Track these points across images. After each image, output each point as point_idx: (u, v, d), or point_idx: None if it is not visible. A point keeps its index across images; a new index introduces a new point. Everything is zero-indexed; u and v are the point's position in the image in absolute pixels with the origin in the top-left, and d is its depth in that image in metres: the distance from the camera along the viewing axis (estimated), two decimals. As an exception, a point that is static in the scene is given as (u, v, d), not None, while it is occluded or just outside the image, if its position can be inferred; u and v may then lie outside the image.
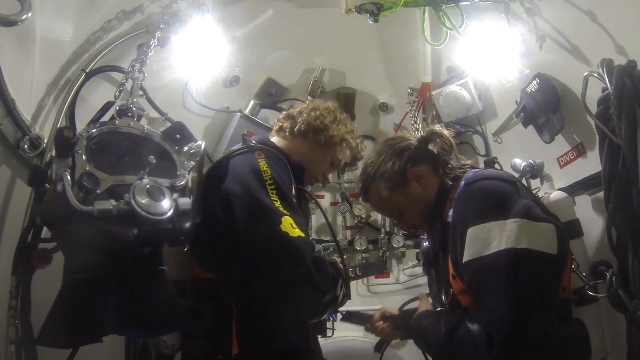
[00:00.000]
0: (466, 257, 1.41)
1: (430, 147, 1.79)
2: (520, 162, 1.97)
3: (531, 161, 1.95)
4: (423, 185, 1.72)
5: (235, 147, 1.68)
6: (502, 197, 1.45)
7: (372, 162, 1.82)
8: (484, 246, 1.37)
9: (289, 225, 1.39)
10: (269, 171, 1.50)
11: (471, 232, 1.41)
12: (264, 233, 1.38)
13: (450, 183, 1.67)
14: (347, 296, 1.62)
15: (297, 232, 1.39)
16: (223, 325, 1.50)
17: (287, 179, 1.58)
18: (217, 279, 1.53)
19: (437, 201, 1.68)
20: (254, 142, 1.72)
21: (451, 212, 1.58)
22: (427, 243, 2.03)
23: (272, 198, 1.44)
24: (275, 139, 1.91)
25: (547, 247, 1.38)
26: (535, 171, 1.95)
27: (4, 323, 1.52)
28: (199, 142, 1.58)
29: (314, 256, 1.43)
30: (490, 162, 1.92)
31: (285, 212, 1.42)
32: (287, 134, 1.87)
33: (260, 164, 1.52)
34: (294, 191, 1.62)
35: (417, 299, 1.90)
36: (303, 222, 1.50)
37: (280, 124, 1.92)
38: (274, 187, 1.47)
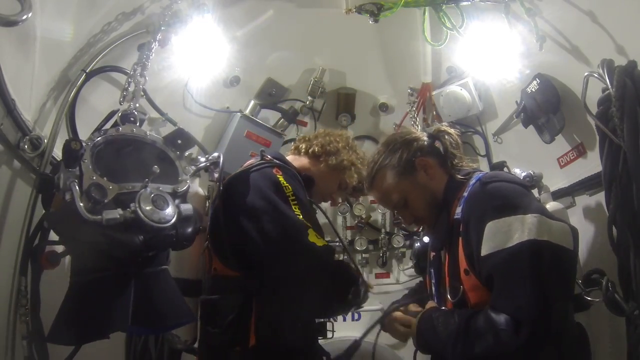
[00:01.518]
0: (486, 250, 1.43)
1: (437, 144, 1.81)
2: (519, 172, 1.99)
3: (530, 171, 1.96)
4: (430, 176, 1.74)
5: (253, 161, 1.80)
6: (519, 196, 1.50)
7: (380, 151, 1.83)
8: (506, 238, 1.40)
9: (314, 237, 1.55)
10: (289, 186, 1.65)
11: (490, 225, 1.43)
12: (296, 244, 1.55)
13: (461, 177, 1.69)
14: (362, 297, 1.70)
15: (321, 242, 1.56)
16: (242, 319, 1.59)
17: (303, 194, 1.71)
18: (240, 276, 1.64)
19: (444, 196, 1.70)
20: (269, 156, 1.83)
21: (459, 210, 1.60)
22: (419, 243, 2.02)
23: (295, 212, 1.59)
24: (290, 157, 2.04)
25: (565, 242, 1.43)
26: (534, 181, 1.97)
27: (4, 321, 1.53)
28: (216, 154, 1.71)
29: (336, 261, 1.61)
30: (499, 166, 1.92)
31: (308, 224, 1.58)
32: (301, 153, 2.03)
33: (280, 179, 1.66)
34: None
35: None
36: (321, 230, 1.68)
37: (297, 145, 2.10)
38: (295, 201, 1.62)
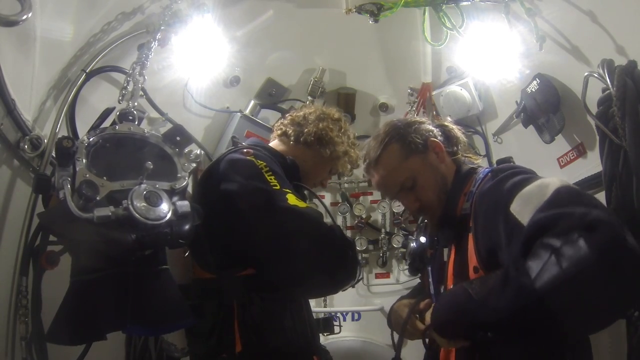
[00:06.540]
0: (528, 214, 1.25)
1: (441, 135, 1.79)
2: None
3: None
4: (440, 159, 1.70)
5: (225, 151, 1.74)
6: (534, 173, 1.49)
7: (387, 130, 1.74)
8: (541, 195, 1.26)
9: (294, 200, 1.46)
10: (262, 162, 1.56)
11: (521, 195, 1.31)
12: (276, 211, 1.44)
13: (469, 167, 1.68)
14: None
15: (303, 204, 1.47)
16: (225, 324, 1.53)
17: (280, 170, 1.61)
18: (217, 277, 1.57)
19: (452, 186, 1.65)
20: (243, 143, 1.78)
21: (467, 205, 1.56)
22: (414, 244, 1.97)
23: (272, 183, 1.49)
24: (274, 142, 1.92)
25: None
26: None
27: (4, 321, 1.53)
28: (196, 151, 1.63)
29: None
30: (506, 161, 1.83)
31: (286, 190, 1.48)
32: (291, 140, 1.86)
33: (251, 159, 1.57)
34: None
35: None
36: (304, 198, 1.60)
37: (284, 129, 1.89)
38: (271, 174, 1.52)
